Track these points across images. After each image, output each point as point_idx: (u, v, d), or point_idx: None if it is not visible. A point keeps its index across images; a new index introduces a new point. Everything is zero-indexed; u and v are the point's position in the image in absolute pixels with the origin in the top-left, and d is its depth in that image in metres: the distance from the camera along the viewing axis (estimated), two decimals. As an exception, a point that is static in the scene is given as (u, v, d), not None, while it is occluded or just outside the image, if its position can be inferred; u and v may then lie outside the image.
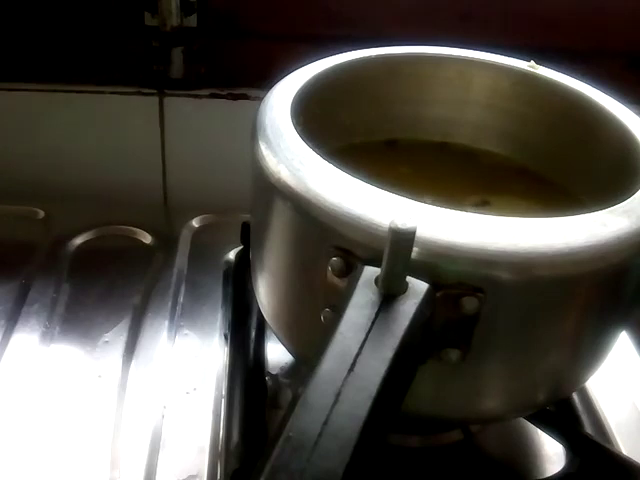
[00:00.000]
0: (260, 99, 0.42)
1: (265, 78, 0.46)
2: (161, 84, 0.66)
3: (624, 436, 0.47)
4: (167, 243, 0.63)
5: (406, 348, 0.28)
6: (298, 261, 0.37)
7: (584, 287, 0.34)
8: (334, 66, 0.46)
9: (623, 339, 0.53)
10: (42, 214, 0.66)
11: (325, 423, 0.25)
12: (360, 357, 0.27)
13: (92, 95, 0.67)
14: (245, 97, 0.67)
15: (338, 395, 0.26)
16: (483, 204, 0.46)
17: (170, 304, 0.56)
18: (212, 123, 0.68)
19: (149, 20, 0.64)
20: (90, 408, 0.47)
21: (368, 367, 0.27)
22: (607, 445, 0.45)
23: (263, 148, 0.37)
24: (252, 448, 0.43)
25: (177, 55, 0.66)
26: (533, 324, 0.34)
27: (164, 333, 0.53)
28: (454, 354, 0.33)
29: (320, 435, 0.24)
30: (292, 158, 0.36)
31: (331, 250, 0.33)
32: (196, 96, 0.67)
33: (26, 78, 0.67)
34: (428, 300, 0.30)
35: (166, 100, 0.67)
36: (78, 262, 0.60)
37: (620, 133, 0.43)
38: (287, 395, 0.48)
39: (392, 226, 0.28)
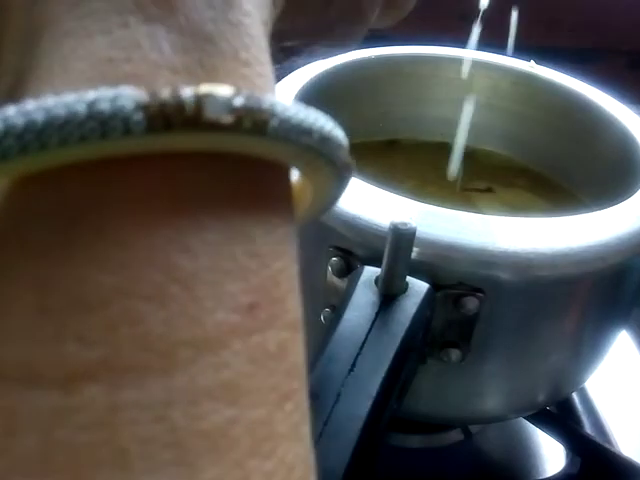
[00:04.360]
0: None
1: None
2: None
3: (624, 436, 0.47)
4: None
5: (406, 348, 0.28)
6: (298, 261, 0.37)
7: (584, 287, 0.34)
8: (334, 66, 0.46)
9: (623, 339, 0.53)
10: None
11: (325, 423, 0.25)
12: (360, 357, 0.27)
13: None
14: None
15: (338, 395, 0.26)
16: (487, 190, 0.46)
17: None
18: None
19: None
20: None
21: (368, 367, 0.27)
22: (607, 445, 0.45)
23: (263, 148, 0.37)
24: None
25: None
26: (533, 324, 0.34)
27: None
28: (454, 354, 0.33)
29: (320, 435, 0.24)
30: (292, 158, 0.36)
31: (331, 250, 0.33)
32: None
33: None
34: (428, 300, 0.30)
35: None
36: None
37: (620, 133, 0.43)
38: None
39: (392, 226, 0.28)
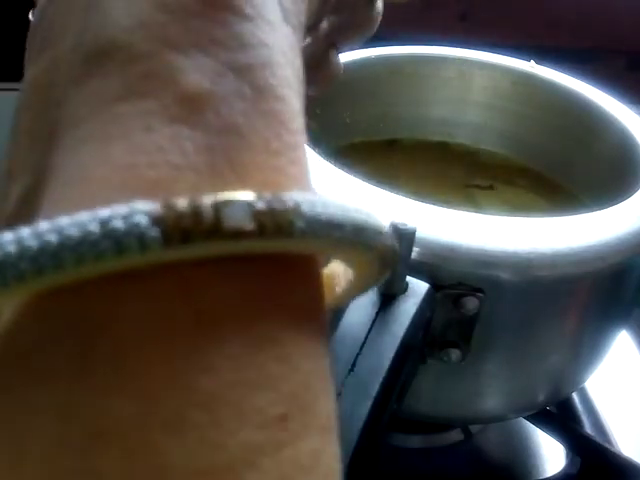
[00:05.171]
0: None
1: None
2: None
3: (624, 436, 0.47)
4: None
5: (406, 348, 0.28)
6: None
7: (584, 287, 0.34)
8: (334, 66, 0.46)
9: (623, 339, 0.53)
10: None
11: (325, 423, 0.25)
12: (360, 357, 0.27)
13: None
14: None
15: (338, 395, 0.26)
16: (488, 187, 0.46)
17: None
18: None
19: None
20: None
21: (368, 367, 0.27)
22: (607, 445, 0.45)
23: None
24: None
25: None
26: (533, 324, 0.34)
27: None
28: (454, 354, 0.33)
29: (320, 435, 0.24)
30: (292, 158, 0.36)
31: (331, 250, 0.33)
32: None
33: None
34: (428, 300, 0.30)
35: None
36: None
37: (620, 133, 0.43)
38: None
39: (392, 226, 0.28)
